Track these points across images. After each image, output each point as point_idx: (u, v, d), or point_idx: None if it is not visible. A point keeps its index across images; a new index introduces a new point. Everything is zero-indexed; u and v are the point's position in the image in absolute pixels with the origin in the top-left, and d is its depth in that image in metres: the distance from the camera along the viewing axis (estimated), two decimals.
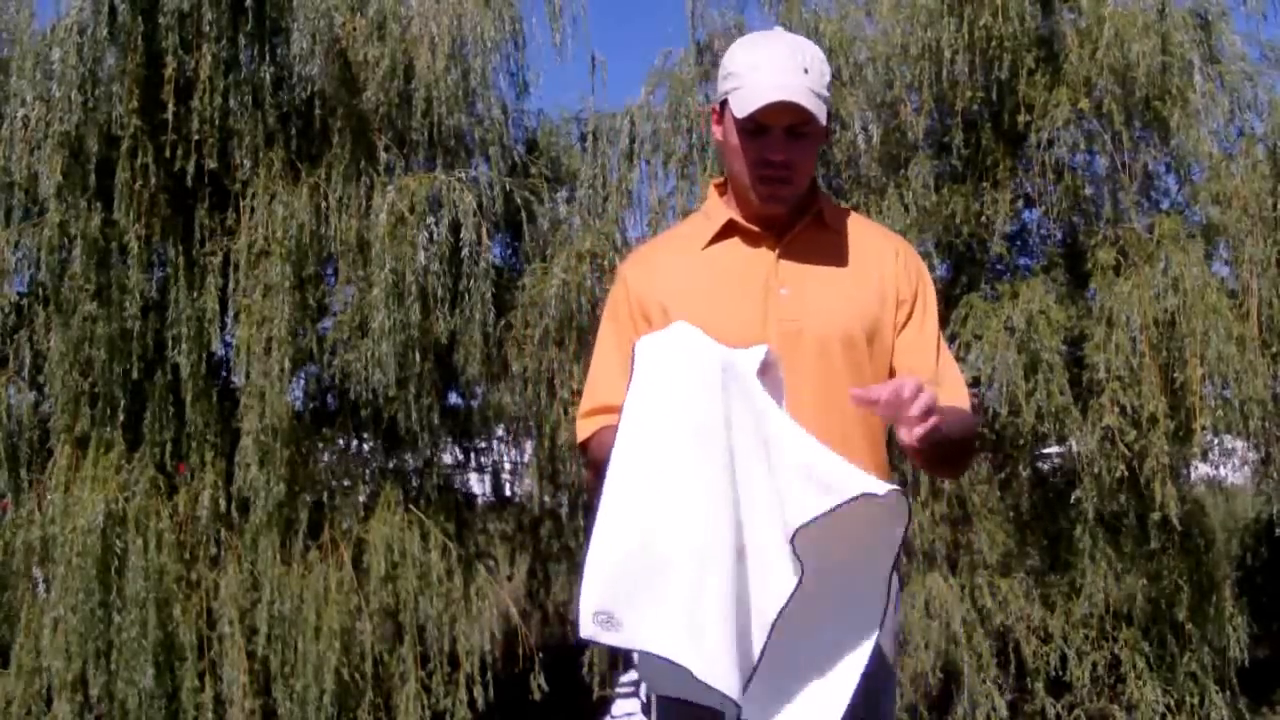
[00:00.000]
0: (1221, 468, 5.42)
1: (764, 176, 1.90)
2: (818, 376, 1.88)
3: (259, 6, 4.55)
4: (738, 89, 1.88)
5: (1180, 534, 4.64)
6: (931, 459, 1.85)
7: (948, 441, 1.79)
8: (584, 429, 2.01)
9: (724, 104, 1.94)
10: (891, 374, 1.95)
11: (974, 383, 4.72)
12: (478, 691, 4.59)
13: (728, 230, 1.98)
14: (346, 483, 5.02)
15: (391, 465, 5.11)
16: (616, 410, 1.85)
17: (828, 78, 1.91)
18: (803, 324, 1.90)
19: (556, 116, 5.68)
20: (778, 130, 1.87)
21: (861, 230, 2.03)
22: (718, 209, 2.01)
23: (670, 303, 1.94)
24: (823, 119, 1.86)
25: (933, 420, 1.68)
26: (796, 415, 1.81)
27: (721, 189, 2.05)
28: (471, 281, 4.57)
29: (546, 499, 5.22)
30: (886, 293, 1.95)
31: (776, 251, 1.95)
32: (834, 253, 1.97)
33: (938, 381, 1.92)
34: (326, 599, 4.49)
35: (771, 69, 1.86)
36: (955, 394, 1.95)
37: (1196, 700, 4.67)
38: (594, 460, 1.98)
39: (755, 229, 1.96)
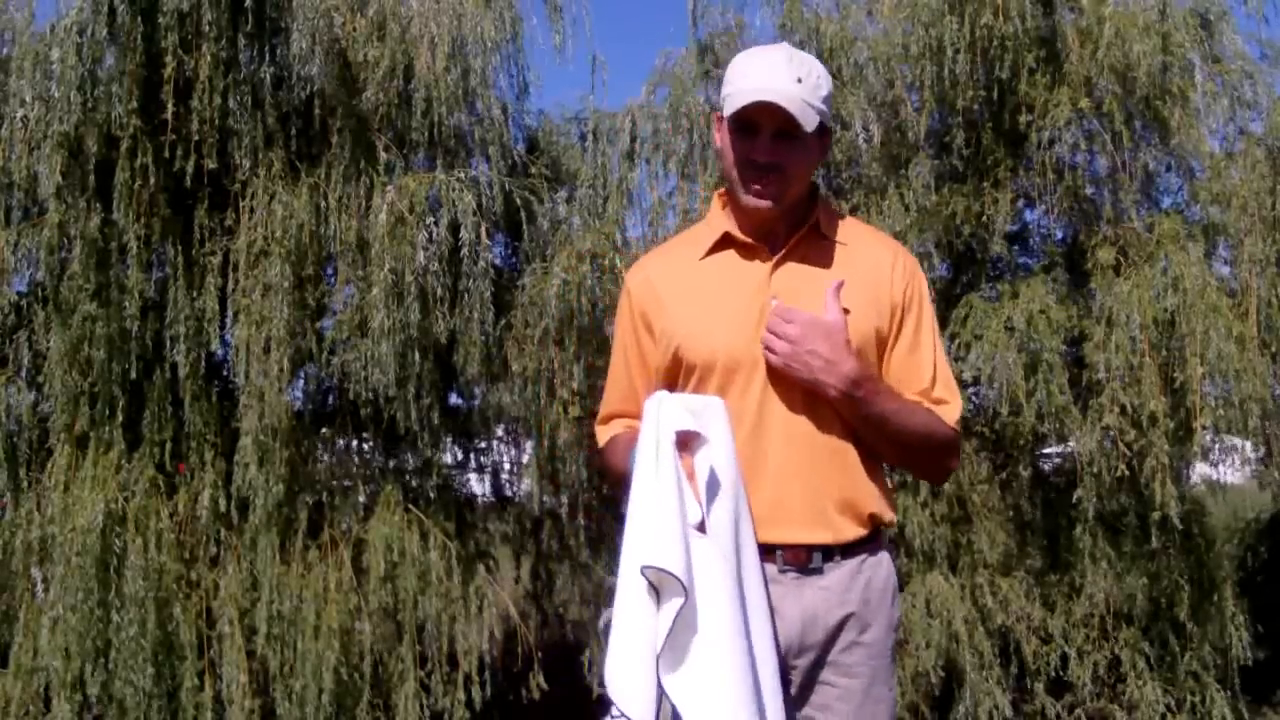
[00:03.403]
0: (1221, 467, 5.41)
1: (749, 177, 1.94)
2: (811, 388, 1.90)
3: (259, 6, 4.54)
4: (730, 94, 1.94)
5: (1180, 534, 4.63)
6: (873, 434, 1.94)
7: (890, 424, 1.90)
8: (599, 436, 2.16)
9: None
10: None
11: (974, 382, 4.72)
12: (476, 691, 4.58)
13: (724, 242, 2.02)
14: (346, 483, 5.01)
15: (391, 465, 5.10)
16: (624, 417, 2.08)
17: (825, 91, 1.94)
18: None
19: (557, 116, 5.68)
20: (766, 132, 1.91)
21: (858, 237, 2.05)
22: (718, 219, 2.05)
23: (666, 313, 2.01)
24: (808, 125, 1.89)
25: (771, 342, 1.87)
26: (788, 424, 1.91)
27: (725, 200, 2.09)
28: (471, 281, 4.56)
29: (546, 499, 5.20)
30: (882, 301, 1.98)
31: (771, 263, 1.97)
32: (830, 263, 1.99)
33: (931, 399, 1.99)
34: (326, 599, 4.48)
35: (761, 74, 1.91)
36: (947, 408, 2.00)
37: (1198, 700, 4.67)
38: (606, 468, 2.15)
39: (750, 241, 1.99)
